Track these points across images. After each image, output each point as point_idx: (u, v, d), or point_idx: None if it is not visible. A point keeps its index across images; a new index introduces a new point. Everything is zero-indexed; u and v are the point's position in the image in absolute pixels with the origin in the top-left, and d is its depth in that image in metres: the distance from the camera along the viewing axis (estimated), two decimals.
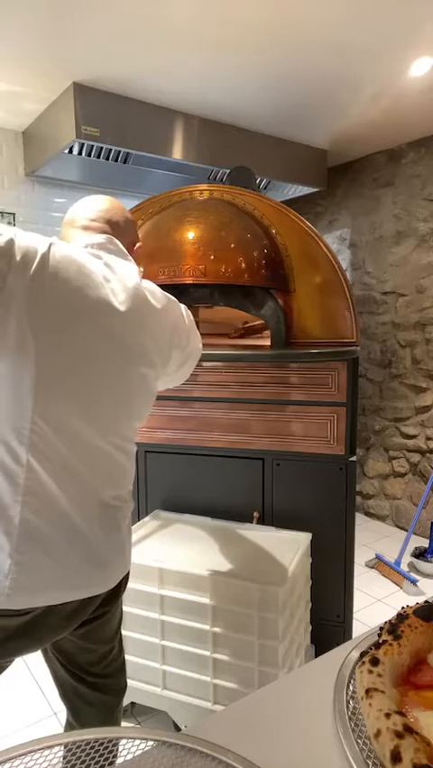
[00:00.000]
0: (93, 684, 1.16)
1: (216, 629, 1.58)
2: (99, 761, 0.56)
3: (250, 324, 2.34)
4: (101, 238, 1.06)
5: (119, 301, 0.98)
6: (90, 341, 0.96)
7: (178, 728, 1.65)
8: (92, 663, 1.15)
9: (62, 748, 0.58)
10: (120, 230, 1.12)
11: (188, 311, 1.22)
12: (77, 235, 1.09)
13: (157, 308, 1.07)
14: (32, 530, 0.93)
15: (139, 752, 0.57)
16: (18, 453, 0.92)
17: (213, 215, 1.89)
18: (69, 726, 1.21)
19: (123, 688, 1.23)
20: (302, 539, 1.82)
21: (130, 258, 1.10)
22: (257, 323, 2.27)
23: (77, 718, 1.18)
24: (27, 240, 0.90)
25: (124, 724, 1.77)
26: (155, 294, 1.09)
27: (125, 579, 1.15)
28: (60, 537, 0.97)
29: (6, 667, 1.05)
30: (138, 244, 1.21)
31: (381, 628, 0.72)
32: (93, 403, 0.99)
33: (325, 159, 3.37)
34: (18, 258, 0.86)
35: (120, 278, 1.01)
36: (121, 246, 1.08)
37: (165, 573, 1.63)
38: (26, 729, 1.79)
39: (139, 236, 1.24)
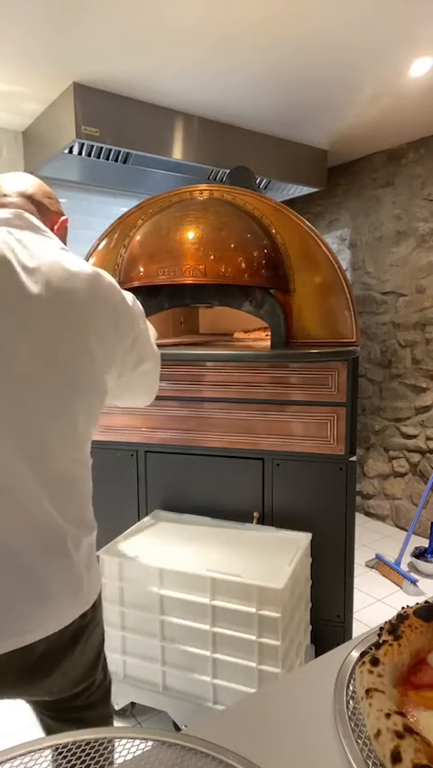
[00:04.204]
0: (75, 720, 1.02)
1: (216, 629, 1.58)
2: (91, 762, 0.56)
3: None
4: (7, 213, 0.93)
5: (33, 282, 0.85)
6: (7, 332, 0.82)
7: (178, 728, 1.65)
8: (69, 700, 1.01)
9: (52, 751, 0.57)
10: (38, 204, 1.01)
11: (137, 301, 1.07)
12: None
13: (84, 287, 0.91)
14: None
15: (139, 752, 0.57)
16: None
17: (213, 215, 1.88)
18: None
19: (107, 717, 1.09)
20: (302, 539, 1.82)
21: (47, 232, 0.97)
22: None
23: None
24: None
25: (124, 724, 1.77)
26: (82, 269, 0.92)
27: (90, 616, 0.96)
28: None
29: None
30: (63, 218, 1.08)
31: (381, 628, 0.72)
32: (20, 400, 0.83)
33: (325, 159, 3.37)
34: None
35: (32, 256, 0.87)
36: (33, 220, 0.95)
37: (165, 573, 1.63)
38: (26, 729, 1.78)
39: (64, 211, 1.11)
